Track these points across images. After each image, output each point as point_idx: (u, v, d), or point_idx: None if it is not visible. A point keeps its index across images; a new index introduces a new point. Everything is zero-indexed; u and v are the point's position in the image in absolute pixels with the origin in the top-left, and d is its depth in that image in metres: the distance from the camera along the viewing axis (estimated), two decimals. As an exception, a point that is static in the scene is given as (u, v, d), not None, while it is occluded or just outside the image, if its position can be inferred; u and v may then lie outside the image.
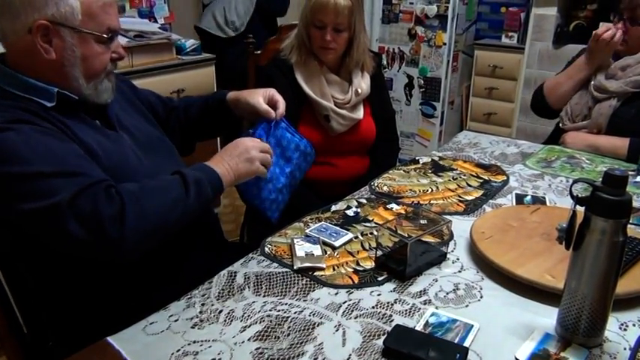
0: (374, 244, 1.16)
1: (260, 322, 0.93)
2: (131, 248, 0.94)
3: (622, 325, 0.93)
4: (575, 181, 0.88)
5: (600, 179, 0.83)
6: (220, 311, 0.96)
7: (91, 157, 1.00)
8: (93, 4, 1.01)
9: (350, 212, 1.35)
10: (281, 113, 1.28)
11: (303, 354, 0.86)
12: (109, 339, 0.89)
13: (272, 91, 1.31)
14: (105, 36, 1.05)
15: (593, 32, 1.84)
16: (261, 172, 1.16)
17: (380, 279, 1.06)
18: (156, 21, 2.84)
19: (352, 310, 0.97)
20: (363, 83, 1.78)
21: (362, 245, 1.19)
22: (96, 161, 1.01)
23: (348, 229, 1.25)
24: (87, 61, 1.04)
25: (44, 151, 0.94)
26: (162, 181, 1.03)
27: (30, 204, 0.90)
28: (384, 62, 3.67)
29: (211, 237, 1.29)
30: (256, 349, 0.87)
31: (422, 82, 3.64)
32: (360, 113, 1.80)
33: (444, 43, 3.48)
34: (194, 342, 0.88)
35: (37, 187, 0.91)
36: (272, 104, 1.29)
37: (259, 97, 1.28)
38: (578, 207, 0.86)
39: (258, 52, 2.06)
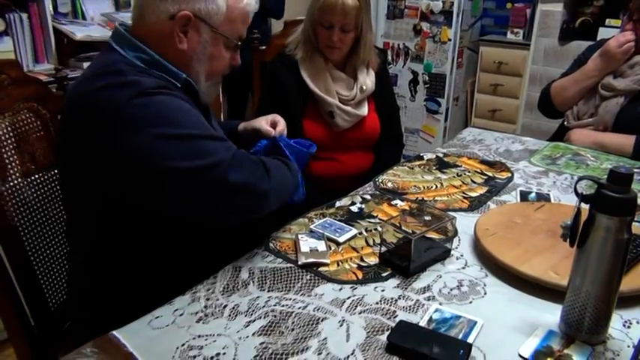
0: (378, 240, 1.17)
1: (264, 317, 0.94)
2: (270, 204, 1.06)
3: (626, 322, 0.94)
4: (580, 179, 0.88)
5: (605, 176, 0.83)
6: (225, 306, 0.97)
7: None
8: (236, 10, 1.06)
9: (354, 208, 1.35)
10: (280, 131, 1.36)
11: (307, 349, 0.86)
12: (115, 333, 0.89)
13: (273, 115, 1.41)
14: (235, 42, 1.10)
15: (622, 46, 1.79)
16: None
17: (384, 275, 1.07)
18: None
19: (356, 306, 0.97)
20: (368, 80, 1.78)
21: (366, 241, 1.19)
22: None
23: (352, 225, 1.25)
24: (213, 60, 1.09)
25: (193, 117, 1.01)
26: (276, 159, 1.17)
27: (189, 162, 0.95)
28: (389, 58, 3.67)
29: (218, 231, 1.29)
30: (260, 343, 0.87)
31: (427, 78, 3.63)
32: (364, 110, 1.79)
33: (449, 39, 3.47)
34: (199, 336, 0.89)
35: (195, 146, 0.97)
36: (273, 125, 1.38)
37: (262, 122, 1.38)
38: (582, 204, 0.86)
39: (263, 47, 2.06)
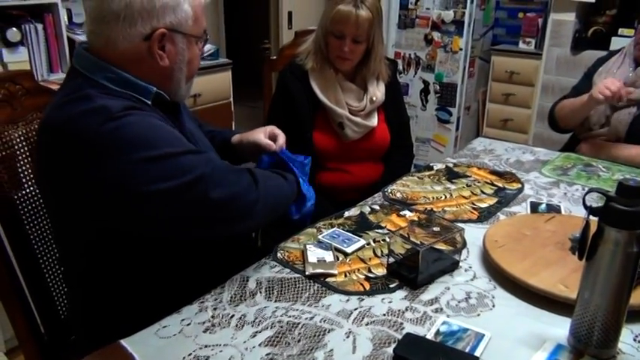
0: (386, 251, 1.16)
1: (271, 328, 0.94)
2: (258, 218, 1.05)
3: (636, 337, 0.92)
4: (588, 191, 0.87)
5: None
6: (232, 316, 0.97)
7: None
8: (199, 7, 1.06)
9: (362, 217, 1.35)
10: (280, 145, 1.31)
11: (313, 360, 0.86)
12: (122, 342, 0.90)
13: (271, 127, 1.37)
14: (204, 37, 1.10)
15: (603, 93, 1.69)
16: None
17: (391, 286, 1.06)
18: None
19: (363, 317, 0.97)
20: (377, 91, 1.78)
21: (374, 252, 1.19)
22: None
23: (360, 236, 1.25)
24: (190, 63, 1.09)
25: (166, 133, 0.98)
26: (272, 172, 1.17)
27: (170, 182, 0.93)
28: (400, 67, 3.67)
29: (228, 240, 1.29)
30: (267, 354, 0.87)
31: (438, 87, 3.63)
32: (374, 120, 1.80)
33: (461, 49, 3.47)
34: (205, 346, 0.89)
35: (174, 165, 0.95)
36: (272, 138, 1.33)
37: (260, 134, 1.34)
38: (591, 217, 0.85)
39: (274, 57, 2.08)
